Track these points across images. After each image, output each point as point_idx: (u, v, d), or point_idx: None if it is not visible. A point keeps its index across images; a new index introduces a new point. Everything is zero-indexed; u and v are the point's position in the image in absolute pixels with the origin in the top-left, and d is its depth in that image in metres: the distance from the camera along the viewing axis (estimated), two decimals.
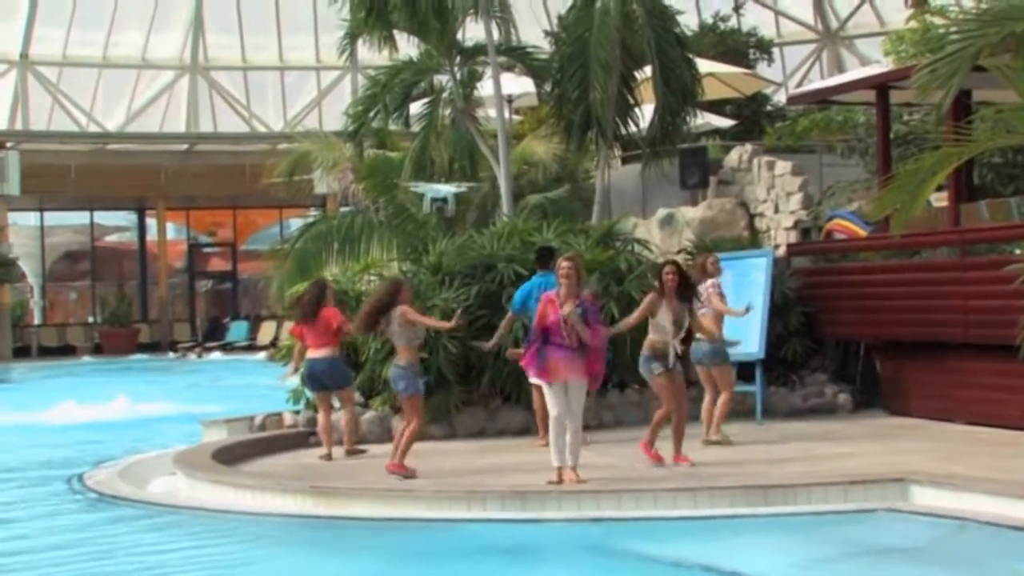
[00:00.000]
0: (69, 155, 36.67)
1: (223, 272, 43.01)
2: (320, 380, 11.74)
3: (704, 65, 18.04)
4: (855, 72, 21.19)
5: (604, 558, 8.24)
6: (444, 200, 15.97)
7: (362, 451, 11.78)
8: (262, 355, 29.80)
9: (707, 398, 11.80)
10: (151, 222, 40.84)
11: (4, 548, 9.21)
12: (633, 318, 10.53)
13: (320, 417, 11.87)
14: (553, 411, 9.65)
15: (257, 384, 21.30)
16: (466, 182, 16.57)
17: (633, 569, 7.99)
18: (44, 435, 16.53)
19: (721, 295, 11.73)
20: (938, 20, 18.37)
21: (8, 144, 35.73)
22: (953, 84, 9.56)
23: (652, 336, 10.37)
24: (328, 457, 11.59)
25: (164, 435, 15.32)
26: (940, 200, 13.53)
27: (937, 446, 11.12)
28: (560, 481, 9.58)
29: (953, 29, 10.90)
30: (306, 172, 21.03)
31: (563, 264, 9.71)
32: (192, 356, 33.31)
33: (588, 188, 18.67)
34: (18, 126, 38.13)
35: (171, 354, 35.26)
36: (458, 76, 16.75)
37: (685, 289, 10.38)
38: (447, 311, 12.58)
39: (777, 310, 13.85)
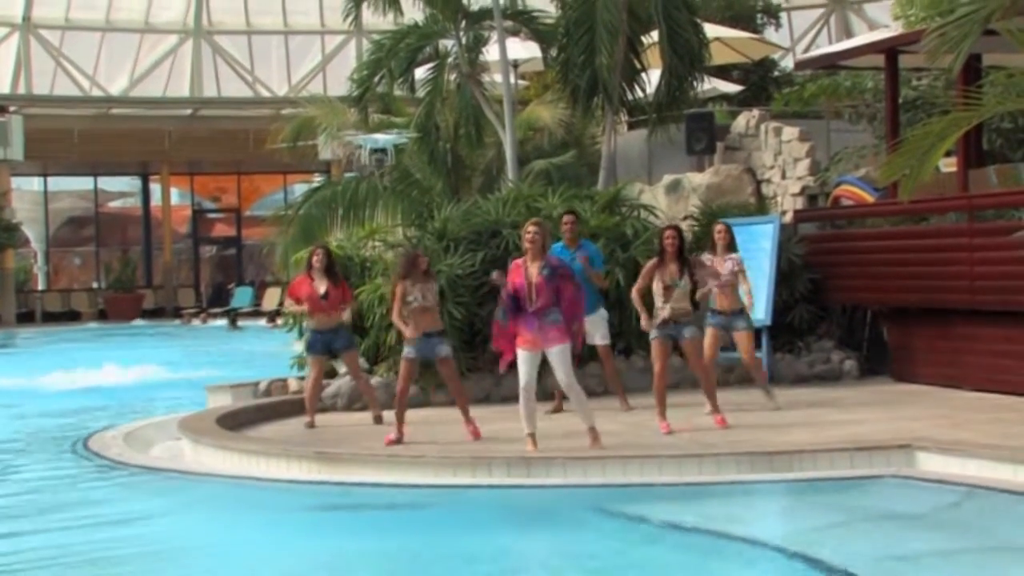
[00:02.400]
0: (72, 120, 36.61)
1: (227, 238, 42.97)
2: (330, 344, 11.65)
3: (711, 30, 17.89)
4: (864, 36, 21.01)
5: (610, 523, 8.23)
6: (383, 151, 15.84)
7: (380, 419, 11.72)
8: (263, 322, 29.82)
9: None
10: (155, 187, 40.78)
11: (7, 512, 9.24)
12: (638, 285, 10.55)
13: (311, 382, 11.72)
14: (521, 379, 9.59)
15: (258, 350, 21.34)
16: (407, 133, 16.31)
17: (639, 535, 7.98)
18: (48, 400, 16.56)
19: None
20: None
21: (11, 108, 35.66)
22: (964, 48, 9.49)
23: (656, 303, 10.41)
24: (311, 425, 11.52)
25: (168, 400, 15.33)
26: (949, 165, 13.45)
27: (944, 413, 11.08)
28: (534, 447, 9.55)
29: None
30: (310, 137, 20.93)
31: (529, 229, 9.68)
32: (196, 322, 33.27)
33: (594, 154, 18.57)
34: (21, 90, 38.03)
35: (176, 321, 35.26)
36: (463, 41, 16.64)
37: (682, 254, 10.42)
38: (452, 276, 12.55)
39: (784, 276, 13.79)
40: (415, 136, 16.38)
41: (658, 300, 10.44)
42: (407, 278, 10.35)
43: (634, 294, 10.64)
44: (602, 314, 11.88)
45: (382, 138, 16.09)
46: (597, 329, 11.78)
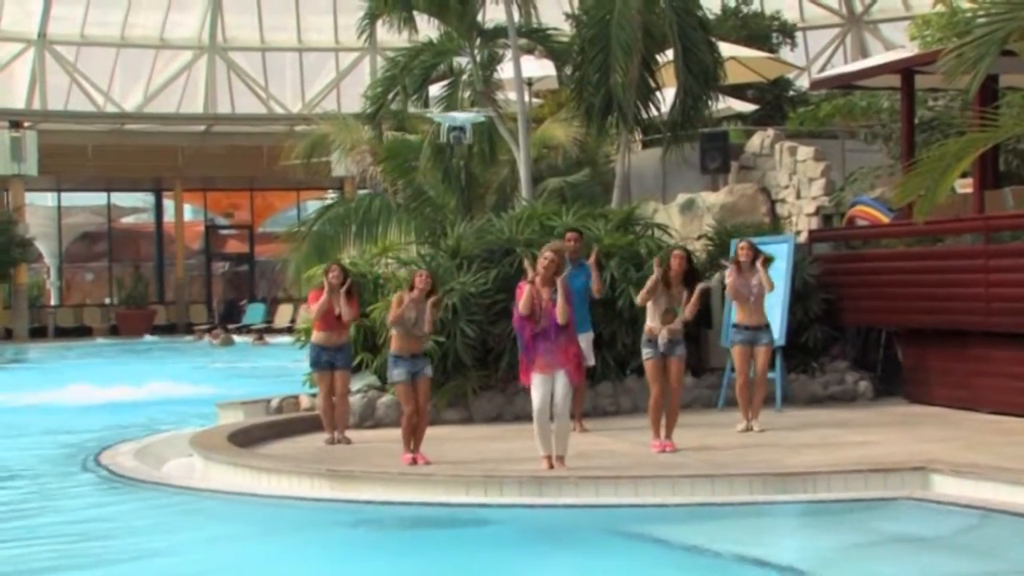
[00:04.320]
0: (86, 135, 36.73)
1: (240, 254, 43.02)
2: (332, 361, 11.61)
3: (726, 49, 17.89)
4: (880, 57, 20.99)
5: (622, 543, 8.18)
6: (461, 128, 15.78)
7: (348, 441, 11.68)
8: (282, 339, 29.73)
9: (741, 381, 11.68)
10: (168, 203, 40.89)
11: (18, 527, 9.22)
12: (642, 297, 10.50)
13: (322, 399, 11.68)
14: (535, 403, 9.60)
15: (271, 367, 21.32)
16: (485, 112, 16.27)
17: (651, 554, 7.94)
18: (60, 415, 16.56)
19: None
20: (965, 3, 18.18)
21: (26, 124, 35.78)
22: (981, 68, 9.45)
23: (647, 322, 10.42)
24: (332, 441, 11.51)
25: (180, 417, 15.32)
26: (965, 187, 13.39)
27: (959, 435, 11.01)
28: (550, 467, 9.56)
29: (981, 13, 10.74)
30: (324, 154, 20.95)
31: (547, 255, 9.67)
32: (208, 339, 33.24)
33: (608, 172, 18.55)
34: (36, 106, 38.14)
35: (188, 337, 35.26)
36: (478, 58, 16.64)
37: (691, 278, 10.41)
38: (465, 295, 12.52)
39: (798, 297, 13.73)
40: (490, 114, 16.22)
41: (653, 319, 10.39)
42: (408, 292, 10.32)
43: (640, 302, 10.61)
44: (588, 336, 11.79)
45: (460, 116, 16.01)
46: (587, 348, 11.72)
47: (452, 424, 12.40)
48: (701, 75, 15.57)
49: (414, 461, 10.08)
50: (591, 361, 11.88)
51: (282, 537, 8.80)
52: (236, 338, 33.05)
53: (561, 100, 20.73)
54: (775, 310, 12.77)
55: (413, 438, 10.25)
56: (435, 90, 17.49)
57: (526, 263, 9.95)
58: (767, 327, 11.69)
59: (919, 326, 13.35)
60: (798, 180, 16.63)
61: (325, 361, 11.59)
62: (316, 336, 11.67)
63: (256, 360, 26.32)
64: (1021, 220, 12.57)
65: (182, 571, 7.81)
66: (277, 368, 20.24)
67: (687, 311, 10.42)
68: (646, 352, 10.45)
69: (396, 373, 10.27)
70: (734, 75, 19.01)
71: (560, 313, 9.48)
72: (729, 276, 11.62)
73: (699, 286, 10.54)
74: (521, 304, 9.58)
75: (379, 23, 17.24)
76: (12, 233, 34.30)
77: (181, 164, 37.61)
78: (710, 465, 9.71)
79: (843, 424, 11.97)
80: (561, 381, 9.58)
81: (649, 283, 10.44)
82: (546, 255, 9.69)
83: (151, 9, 39.58)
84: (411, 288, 10.30)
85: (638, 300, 10.64)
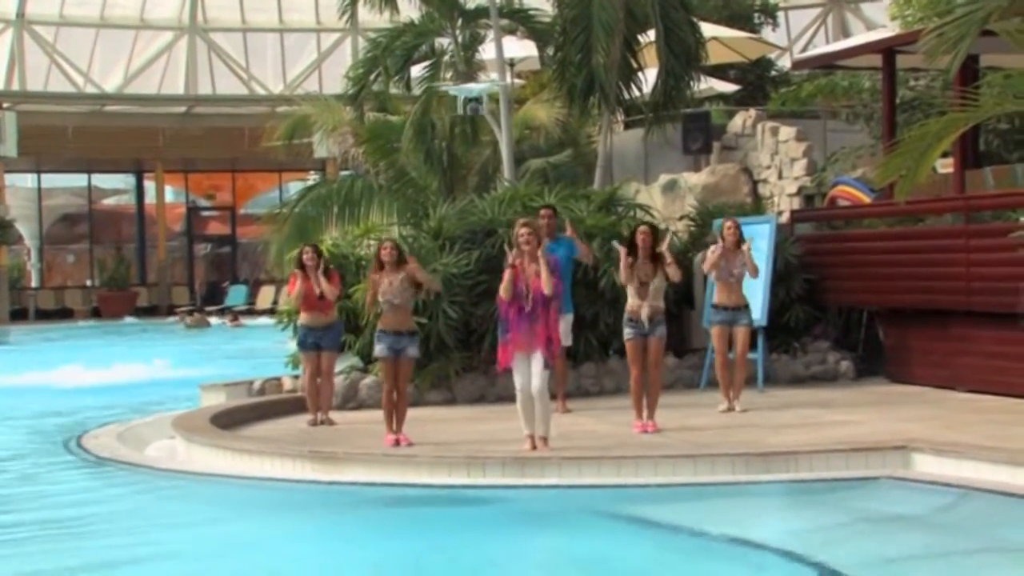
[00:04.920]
0: (66, 116, 36.49)
1: (222, 236, 42.86)
2: (319, 341, 11.59)
3: (708, 29, 17.84)
4: (861, 36, 21.00)
5: (604, 524, 8.20)
6: (478, 99, 15.74)
7: (332, 422, 11.67)
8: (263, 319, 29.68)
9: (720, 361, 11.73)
10: (149, 185, 40.68)
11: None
12: (621, 271, 10.51)
13: (307, 379, 11.64)
14: (517, 383, 9.65)
15: (255, 348, 21.28)
16: (498, 81, 16.20)
17: (634, 535, 7.96)
18: (42, 398, 16.51)
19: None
20: None
21: (4, 105, 35.53)
22: (961, 48, 9.45)
23: (628, 300, 10.46)
24: (315, 423, 11.49)
25: (162, 399, 15.29)
26: (945, 167, 13.42)
27: (939, 414, 11.07)
28: (533, 448, 9.59)
29: None
30: (306, 135, 20.86)
31: (521, 231, 9.70)
32: (189, 321, 33.07)
33: (590, 153, 18.53)
34: (15, 87, 37.88)
35: (170, 318, 35.14)
36: (460, 39, 16.59)
37: (656, 253, 10.42)
38: (447, 276, 12.52)
39: (780, 277, 13.76)
40: (501, 84, 16.15)
41: (634, 298, 10.42)
42: (378, 271, 10.29)
43: (623, 281, 10.62)
44: (568, 318, 11.77)
45: (476, 87, 15.95)
46: (565, 330, 11.71)
47: (435, 405, 12.41)
48: (683, 55, 15.54)
49: (397, 443, 10.09)
50: (568, 341, 11.86)
51: (264, 519, 8.81)
52: (213, 320, 32.92)
53: (543, 81, 20.66)
54: (757, 290, 12.80)
55: (396, 418, 10.25)
56: (417, 71, 17.44)
57: (507, 251, 9.92)
58: (746, 307, 11.72)
59: (900, 306, 13.40)
60: (780, 160, 16.65)
61: (311, 342, 11.58)
62: (303, 318, 11.66)
63: (237, 342, 26.26)
64: (1001, 200, 12.62)
65: (163, 554, 7.80)
66: (262, 350, 20.19)
67: (670, 272, 10.41)
68: (628, 332, 10.48)
69: (378, 348, 10.27)
70: (716, 55, 18.99)
71: (545, 283, 9.48)
72: (713, 252, 11.63)
73: (660, 248, 10.50)
74: (502, 289, 9.60)
75: (361, 4, 17.19)
76: None
77: (162, 145, 37.39)
78: (692, 445, 9.74)
79: (825, 404, 12.02)
80: (538, 360, 9.60)
81: (621, 263, 10.45)
82: (520, 232, 9.71)
83: None
84: (380, 265, 10.25)
85: (620, 279, 10.65)
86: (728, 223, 11.84)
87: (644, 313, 10.33)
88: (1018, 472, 8.34)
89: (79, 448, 11.51)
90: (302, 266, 11.63)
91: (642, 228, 10.59)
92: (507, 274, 9.63)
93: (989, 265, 12.08)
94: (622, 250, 10.47)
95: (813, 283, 14.10)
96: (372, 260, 10.69)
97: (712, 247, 11.76)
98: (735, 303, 11.62)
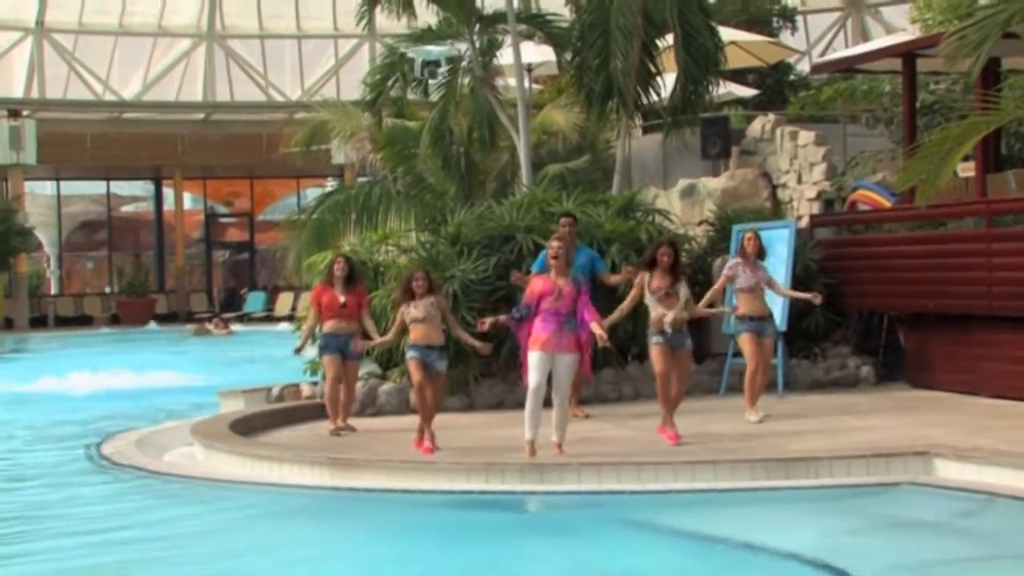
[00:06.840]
0: (85, 124, 36.68)
1: (240, 242, 42.98)
2: (343, 348, 11.52)
3: (727, 33, 17.81)
4: (881, 40, 20.89)
5: (623, 530, 8.16)
6: (436, 63, 15.66)
7: (353, 429, 11.65)
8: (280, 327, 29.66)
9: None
10: (168, 192, 40.83)
11: (18, 516, 9.21)
12: (626, 305, 10.48)
13: (330, 384, 11.53)
14: (532, 381, 9.54)
15: (273, 356, 21.27)
16: (457, 44, 16.04)
17: (653, 541, 7.93)
18: (61, 404, 16.55)
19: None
20: None
21: (24, 113, 35.71)
22: (983, 51, 9.41)
23: (651, 313, 10.33)
24: (338, 432, 11.45)
25: (181, 405, 15.30)
26: (967, 170, 13.33)
27: (961, 419, 10.98)
28: (532, 454, 9.50)
29: None
30: (323, 142, 20.90)
31: (553, 244, 9.75)
32: (209, 327, 33.08)
33: (608, 158, 18.50)
34: (34, 94, 38.08)
35: (189, 326, 35.20)
36: (477, 44, 16.57)
37: (677, 267, 10.36)
38: (465, 282, 12.49)
39: (799, 282, 13.66)
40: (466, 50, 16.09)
41: (657, 308, 10.26)
42: (405, 302, 10.25)
43: (621, 310, 10.56)
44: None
45: (435, 49, 15.83)
46: None
47: (454, 411, 12.38)
48: (701, 60, 15.50)
49: (429, 449, 10.05)
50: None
51: (284, 525, 8.79)
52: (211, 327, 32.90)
53: (561, 86, 20.67)
54: (776, 296, 12.72)
55: (426, 425, 10.17)
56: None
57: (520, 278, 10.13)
58: (771, 317, 11.63)
59: (921, 310, 13.32)
60: (799, 165, 16.55)
61: (335, 347, 11.51)
62: (326, 325, 11.60)
63: (254, 349, 26.29)
64: (1023, 204, 12.52)
65: (184, 559, 7.79)
66: (283, 357, 20.19)
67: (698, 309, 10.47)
68: (655, 339, 10.24)
69: (409, 354, 10.25)
70: (735, 60, 18.93)
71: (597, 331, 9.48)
72: (729, 270, 11.51)
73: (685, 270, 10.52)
74: (527, 293, 9.70)
75: (378, 9, 17.17)
76: (12, 222, 34.23)
77: (180, 152, 37.54)
78: (712, 451, 9.68)
79: (845, 409, 11.94)
80: (564, 365, 9.54)
81: (637, 281, 10.36)
82: (552, 244, 9.82)
83: None
84: (410, 296, 10.21)
85: (623, 309, 10.55)
86: (748, 234, 11.73)
87: (667, 321, 10.23)
88: None
89: (98, 454, 11.51)
90: (332, 275, 11.60)
91: (663, 250, 10.33)
92: (533, 280, 9.74)
93: (1011, 269, 11.98)
94: (641, 274, 10.35)
95: (833, 288, 14.00)
96: (399, 290, 10.54)
97: (731, 264, 11.60)
98: (759, 313, 11.49)
